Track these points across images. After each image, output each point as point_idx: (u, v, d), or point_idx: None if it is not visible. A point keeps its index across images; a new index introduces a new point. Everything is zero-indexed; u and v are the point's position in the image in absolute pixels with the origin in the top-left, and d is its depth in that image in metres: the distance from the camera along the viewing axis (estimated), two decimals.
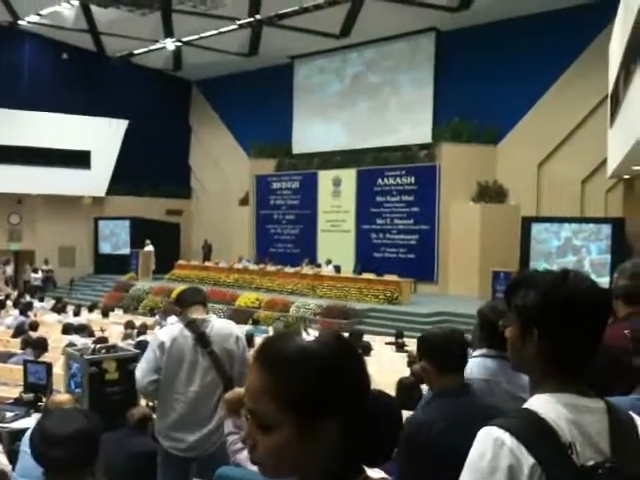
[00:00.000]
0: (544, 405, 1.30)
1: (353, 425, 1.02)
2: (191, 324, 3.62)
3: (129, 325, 11.32)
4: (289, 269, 19.81)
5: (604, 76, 14.48)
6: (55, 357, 7.09)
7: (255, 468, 1.07)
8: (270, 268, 20.25)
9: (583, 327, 1.33)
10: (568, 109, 17.42)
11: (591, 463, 1.22)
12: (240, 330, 3.91)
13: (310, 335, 1.57)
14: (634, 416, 1.37)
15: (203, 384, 3.58)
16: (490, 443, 1.25)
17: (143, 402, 4.92)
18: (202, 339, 3.59)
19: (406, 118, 20.97)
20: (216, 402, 3.54)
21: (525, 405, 1.34)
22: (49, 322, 12.96)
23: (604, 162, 15.19)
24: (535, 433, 1.24)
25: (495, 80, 18.45)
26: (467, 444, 1.27)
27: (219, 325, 3.71)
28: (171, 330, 3.67)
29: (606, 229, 15.21)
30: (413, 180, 19.97)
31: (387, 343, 12.25)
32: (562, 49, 17.22)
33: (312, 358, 1.01)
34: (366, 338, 11.20)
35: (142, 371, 3.61)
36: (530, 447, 1.22)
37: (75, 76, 23.46)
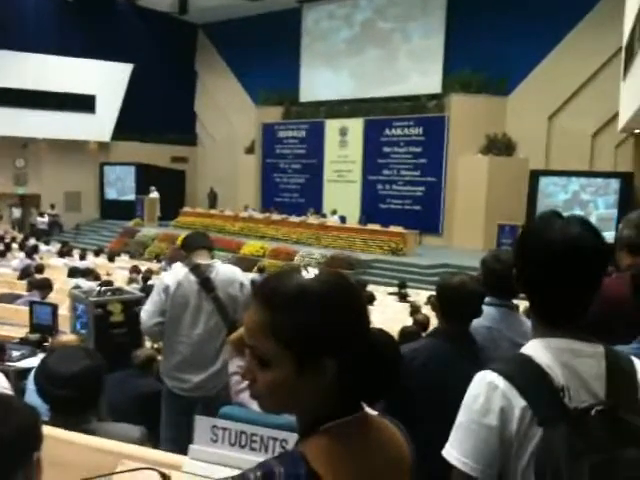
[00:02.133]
0: (538, 349, 1.32)
1: (352, 363, 1.02)
2: (196, 269, 3.65)
3: (134, 270, 11.40)
4: (294, 218, 19.83)
5: (618, 28, 14.14)
6: (61, 299, 7.15)
7: (257, 407, 1.09)
8: (275, 217, 20.27)
9: (560, 273, 1.31)
10: (581, 61, 17.08)
11: (583, 405, 1.24)
12: (245, 276, 3.94)
13: (310, 273, 1.59)
14: (635, 361, 1.37)
15: (207, 328, 3.63)
16: (484, 386, 1.29)
17: (148, 344, 4.98)
18: (206, 284, 3.62)
19: (416, 67, 20.62)
20: (220, 345, 3.61)
21: (521, 350, 1.36)
22: (55, 265, 13.04)
23: (615, 116, 14.98)
24: (527, 376, 1.28)
25: (507, 30, 18.01)
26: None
27: (224, 270, 3.74)
28: (176, 274, 3.70)
29: (615, 184, 15.11)
30: (421, 131, 19.76)
31: (390, 293, 12.33)
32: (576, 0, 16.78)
33: (311, 295, 1.01)
34: (369, 288, 11.29)
35: (147, 313, 3.65)
36: (522, 390, 1.26)
37: (80, 19, 23.02)
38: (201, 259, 3.71)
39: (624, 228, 2.50)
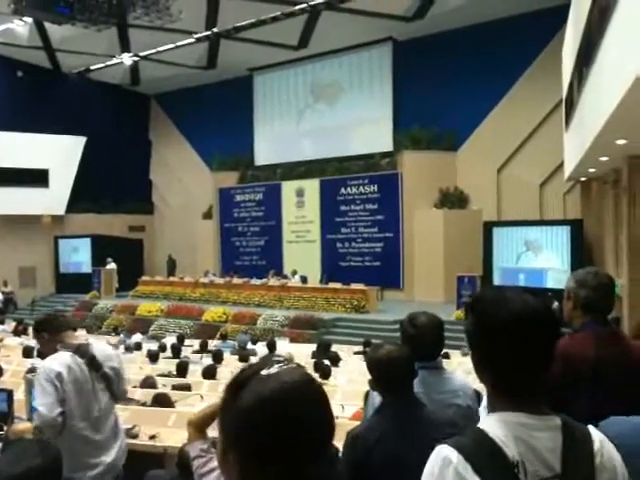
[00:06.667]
0: (493, 424, 1.32)
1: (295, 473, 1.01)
2: (79, 350, 3.59)
3: None
4: (255, 281, 19.73)
5: (558, 80, 14.75)
6: (18, 382, 6.91)
7: None
8: (236, 281, 20.13)
9: (509, 348, 1.31)
10: (525, 114, 17.72)
11: None
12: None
13: (274, 367, 1.55)
14: (592, 431, 1.37)
15: (103, 406, 3.62)
16: (439, 461, 1.29)
17: None
18: (94, 363, 3.59)
19: (367, 127, 21.10)
20: (115, 420, 3.70)
21: (478, 424, 1.36)
22: (11, 345, 12.65)
23: (561, 165, 15.49)
24: (481, 452, 1.27)
25: (452, 87, 18.68)
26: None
27: (98, 347, 3.75)
28: (62, 359, 3.56)
29: (565, 231, 15.46)
30: (376, 188, 20.11)
31: (355, 352, 12.24)
32: (517, 55, 17.51)
33: (269, 405, 1.01)
34: (334, 348, 11.19)
35: (47, 406, 3.39)
36: (475, 465, 1.25)
37: (31, 94, 23.05)
38: (72, 339, 3.67)
39: (580, 288, 2.50)
